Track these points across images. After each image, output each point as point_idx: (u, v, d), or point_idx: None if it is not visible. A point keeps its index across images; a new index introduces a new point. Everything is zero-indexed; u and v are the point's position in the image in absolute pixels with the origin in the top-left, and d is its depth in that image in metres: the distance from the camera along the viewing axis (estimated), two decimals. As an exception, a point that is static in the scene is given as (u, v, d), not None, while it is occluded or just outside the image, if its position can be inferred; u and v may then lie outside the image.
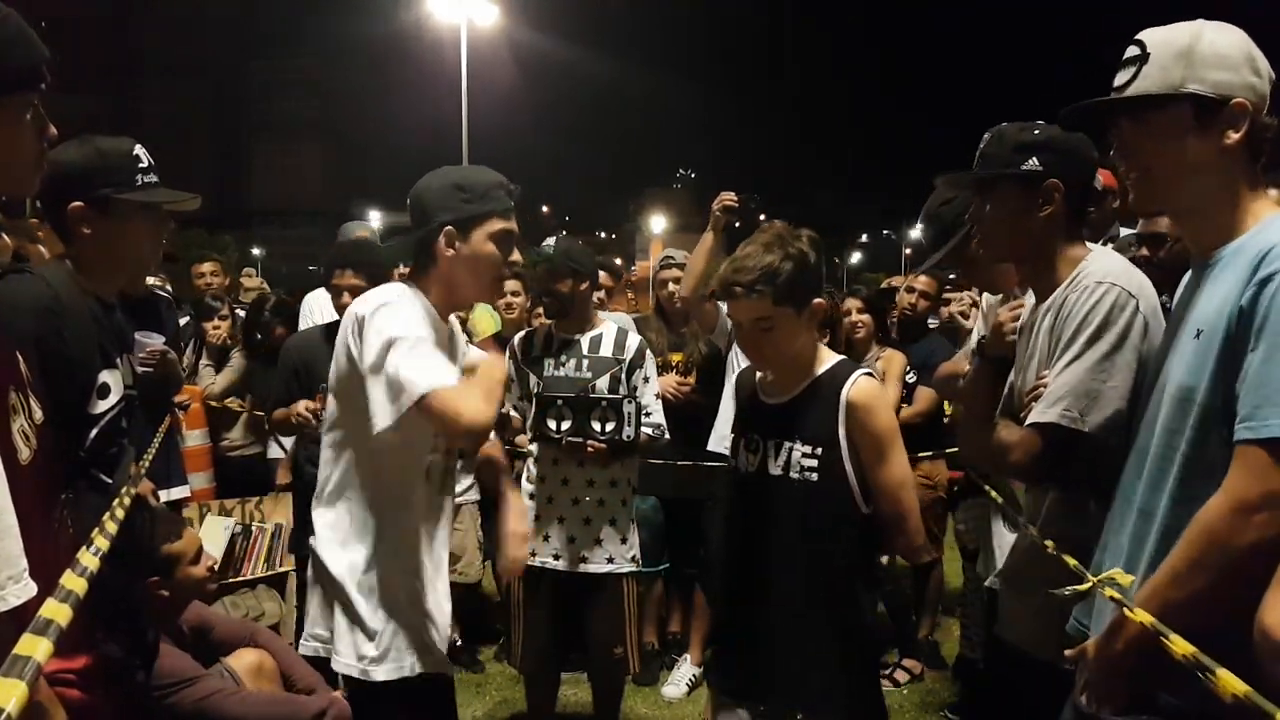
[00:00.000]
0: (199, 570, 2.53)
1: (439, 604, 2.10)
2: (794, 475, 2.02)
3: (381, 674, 1.98)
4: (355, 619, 1.98)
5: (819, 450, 2.00)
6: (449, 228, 1.98)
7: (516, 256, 2.08)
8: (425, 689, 2.06)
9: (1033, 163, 1.91)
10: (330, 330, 3.38)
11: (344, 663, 2.00)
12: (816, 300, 2.05)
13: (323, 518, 2.03)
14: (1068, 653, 1.58)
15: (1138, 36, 1.55)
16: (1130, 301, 1.79)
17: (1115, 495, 1.64)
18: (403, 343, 1.82)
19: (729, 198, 3.56)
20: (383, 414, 1.82)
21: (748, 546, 2.18)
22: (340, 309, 3.28)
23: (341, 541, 2.00)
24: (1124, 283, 1.81)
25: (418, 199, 2.04)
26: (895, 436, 2.02)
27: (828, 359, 2.10)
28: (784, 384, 2.11)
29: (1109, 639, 1.47)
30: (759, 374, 2.22)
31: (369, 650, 1.97)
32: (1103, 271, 1.85)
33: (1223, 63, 1.46)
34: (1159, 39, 1.52)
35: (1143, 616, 1.35)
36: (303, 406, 3.25)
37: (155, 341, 2.99)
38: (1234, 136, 1.45)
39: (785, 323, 2.00)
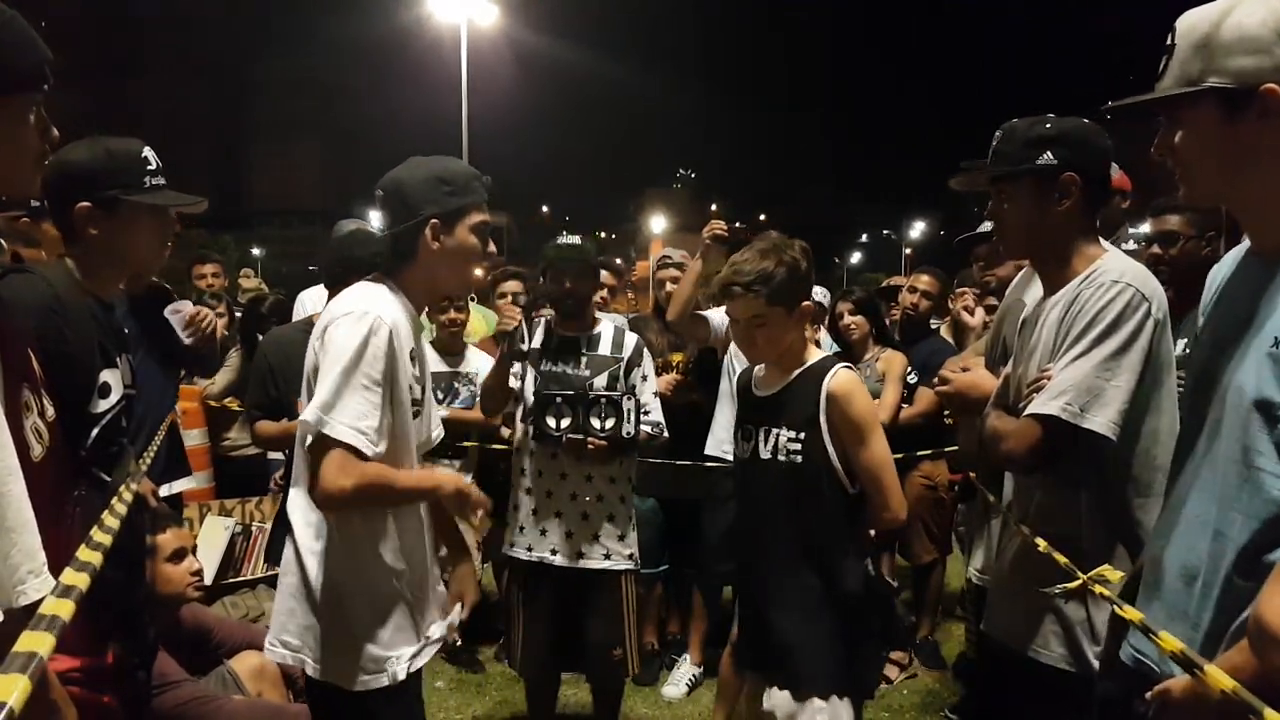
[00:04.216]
0: (178, 570, 2.55)
1: (427, 589, 2.06)
2: (781, 458, 2.24)
3: (375, 683, 1.92)
4: (341, 624, 1.91)
5: (802, 434, 2.22)
6: (434, 221, 1.97)
7: (493, 248, 2.13)
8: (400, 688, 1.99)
9: (1047, 157, 1.90)
10: (309, 327, 3.34)
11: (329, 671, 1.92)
12: (805, 303, 2.26)
13: (303, 515, 1.97)
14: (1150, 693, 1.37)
15: (1177, 21, 1.40)
16: (1144, 304, 1.79)
17: (1167, 503, 1.50)
18: (348, 373, 1.82)
19: (719, 226, 3.55)
20: (303, 429, 1.85)
21: (744, 526, 2.43)
22: None
23: (320, 538, 1.94)
24: (1139, 284, 1.82)
25: (397, 192, 1.99)
26: (873, 422, 2.20)
27: (814, 354, 2.31)
28: (774, 377, 2.33)
29: (1199, 689, 1.25)
30: (755, 370, 2.43)
31: (364, 658, 1.91)
32: (1119, 271, 1.85)
33: (1248, 46, 1.29)
34: (1185, 26, 1.37)
35: (1222, 681, 1.15)
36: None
37: (186, 308, 3.11)
38: (1269, 126, 1.28)
39: (777, 321, 2.24)
